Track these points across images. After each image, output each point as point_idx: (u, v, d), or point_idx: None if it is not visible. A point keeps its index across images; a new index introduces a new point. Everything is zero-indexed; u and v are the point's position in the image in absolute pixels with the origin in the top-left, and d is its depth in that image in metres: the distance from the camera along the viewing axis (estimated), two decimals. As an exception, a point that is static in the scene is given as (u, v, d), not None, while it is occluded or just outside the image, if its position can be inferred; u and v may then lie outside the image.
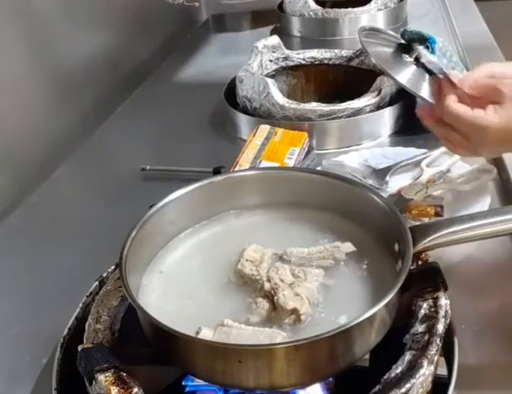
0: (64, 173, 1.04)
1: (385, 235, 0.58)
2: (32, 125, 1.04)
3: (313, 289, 0.54)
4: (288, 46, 1.21)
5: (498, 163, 0.85)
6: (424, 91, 1.00)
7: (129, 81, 1.36)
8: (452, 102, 0.65)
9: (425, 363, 0.48)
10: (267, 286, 0.54)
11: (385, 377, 0.48)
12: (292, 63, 1.18)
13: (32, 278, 0.78)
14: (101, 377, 0.49)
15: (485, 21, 1.46)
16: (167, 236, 0.63)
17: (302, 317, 0.51)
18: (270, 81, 1.01)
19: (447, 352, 0.55)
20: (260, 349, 0.48)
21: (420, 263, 0.59)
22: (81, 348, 0.52)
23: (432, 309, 0.53)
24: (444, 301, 0.54)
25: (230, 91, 1.13)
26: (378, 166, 0.89)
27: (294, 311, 0.51)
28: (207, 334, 0.51)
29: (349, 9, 1.50)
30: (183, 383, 0.53)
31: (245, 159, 0.88)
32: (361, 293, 0.55)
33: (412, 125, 1.04)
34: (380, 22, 1.50)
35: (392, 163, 0.89)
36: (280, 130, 0.94)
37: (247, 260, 0.58)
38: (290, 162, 0.88)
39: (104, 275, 0.65)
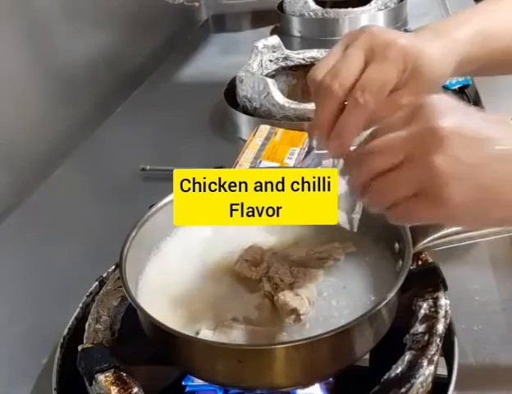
0: (64, 173, 1.04)
1: (385, 235, 0.58)
2: (32, 125, 1.04)
3: (313, 289, 0.54)
4: (288, 46, 1.21)
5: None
6: (424, 91, 1.01)
7: (129, 81, 1.36)
8: None
9: (425, 363, 0.48)
10: (267, 286, 0.54)
11: (385, 377, 0.48)
12: (292, 63, 1.18)
13: (32, 278, 0.78)
14: (101, 377, 0.49)
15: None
16: (167, 236, 0.63)
17: (302, 317, 0.51)
18: (270, 81, 1.01)
19: (447, 352, 0.55)
20: (260, 349, 0.48)
21: (420, 263, 0.59)
22: (81, 348, 0.52)
23: (432, 309, 0.53)
24: (444, 301, 0.54)
25: (230, 91, 1.13)
26: (378, 166, 0.89)
27: (294, 311, 0.51)
28: (207, 334, 0.51)
29: (349, 9, 1.50)
30: (183, 383, 0.53)
31: (245, 159, 0.88)
32: (361, 293, 0.55)
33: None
34: (380, 22, 1.50)
35: (392, 163, 0.88)
36: (280, 130, 0.94)
37: (247, 260, 0.57)
38: (290, 162, 0.87)
39: (104, 275, 0.65)
